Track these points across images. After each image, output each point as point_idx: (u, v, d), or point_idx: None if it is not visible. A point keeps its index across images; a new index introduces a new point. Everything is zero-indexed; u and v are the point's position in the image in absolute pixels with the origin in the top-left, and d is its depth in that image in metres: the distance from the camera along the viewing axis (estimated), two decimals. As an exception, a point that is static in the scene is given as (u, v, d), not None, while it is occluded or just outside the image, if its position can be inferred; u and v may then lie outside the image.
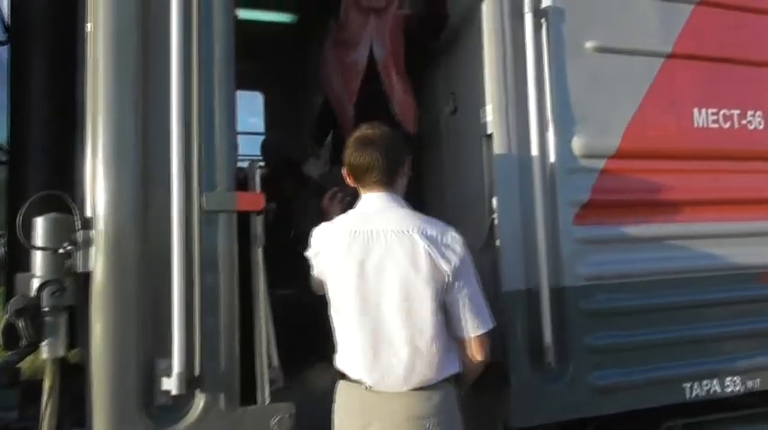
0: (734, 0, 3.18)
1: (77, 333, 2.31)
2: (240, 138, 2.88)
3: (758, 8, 3.23)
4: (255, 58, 4.89)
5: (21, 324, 2.10)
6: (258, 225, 2.31)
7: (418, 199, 2.93)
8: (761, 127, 3.15)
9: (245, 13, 3.89)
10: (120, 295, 2.10)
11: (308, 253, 2.18)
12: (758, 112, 3.16)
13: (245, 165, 2.47)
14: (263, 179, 2.38)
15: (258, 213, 2.31)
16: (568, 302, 2.66)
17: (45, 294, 2.14)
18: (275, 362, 2.30)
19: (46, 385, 2.18)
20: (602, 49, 2.85)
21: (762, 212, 3.10)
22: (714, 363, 2.88)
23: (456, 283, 2.00)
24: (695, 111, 3.02)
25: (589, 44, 2.84)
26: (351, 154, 2.12)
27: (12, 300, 2.13)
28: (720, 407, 2.95)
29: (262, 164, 3.95)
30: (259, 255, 2.30)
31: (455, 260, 1.99)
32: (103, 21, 2.18)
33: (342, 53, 3.46)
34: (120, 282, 2.11)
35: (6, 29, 2.97)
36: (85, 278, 2.15)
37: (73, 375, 2.30)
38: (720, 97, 3.08)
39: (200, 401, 2.17)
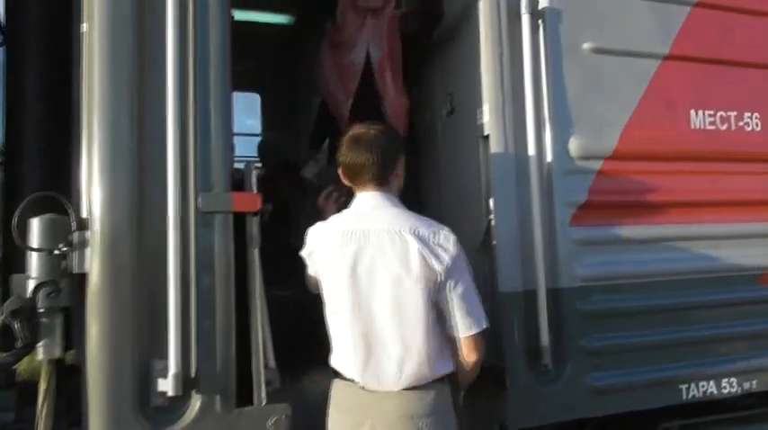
0: (731, 2, 3.18)
1: (73, 334, 2.30)
2: (237, 140, 2.87)
3: (755, 10, 3.23)
4: (253, 59, 4.90)
5: (16, 325, 2.10)
6: (254, 226, 2.30)
7: (416, 199, 2.92)
8: (758, 128, 3.15)
9: (242, 15, 3.89)
10: (115, 296, 2.10)
11: (303, 252, 2.17)
12: (755, 114, 3.15)
13: (242, 166, 2.47)
14: (260, 180, 2.37)
15: (254, 214, 2.30)
16: (565, 303, 2.66)
17: (41, 295, 2.13)
18: (271, 362, 2.29)
19: (42, 386, 2.18)
20: (599, 51, 2.85)
21: (758, 214, 3.11)
22: (711, 365, 2.88)
23: (448, 283, 1.98)
24: (692, 112, 3.02)
25: (586, 45, 2.84)
26: (345, 153, 2.11)
27: (7, 302, 2.13)
28: (717, 409, 2.96)
29: (258, 165, 3.95)
30: (255, 255, 2.29)
31: (447, 259, 1.98)
32: (98, 21, 2.18)
33: (339, 54, 3.46)
34: (115, 282, 2.10)
35: (1, 30, 2.96)
36: (81, 279, 2.14)
37: (69, 376, 2.30)
38: (717, 99, 3.08)
39: (196, 402, 2.16)
